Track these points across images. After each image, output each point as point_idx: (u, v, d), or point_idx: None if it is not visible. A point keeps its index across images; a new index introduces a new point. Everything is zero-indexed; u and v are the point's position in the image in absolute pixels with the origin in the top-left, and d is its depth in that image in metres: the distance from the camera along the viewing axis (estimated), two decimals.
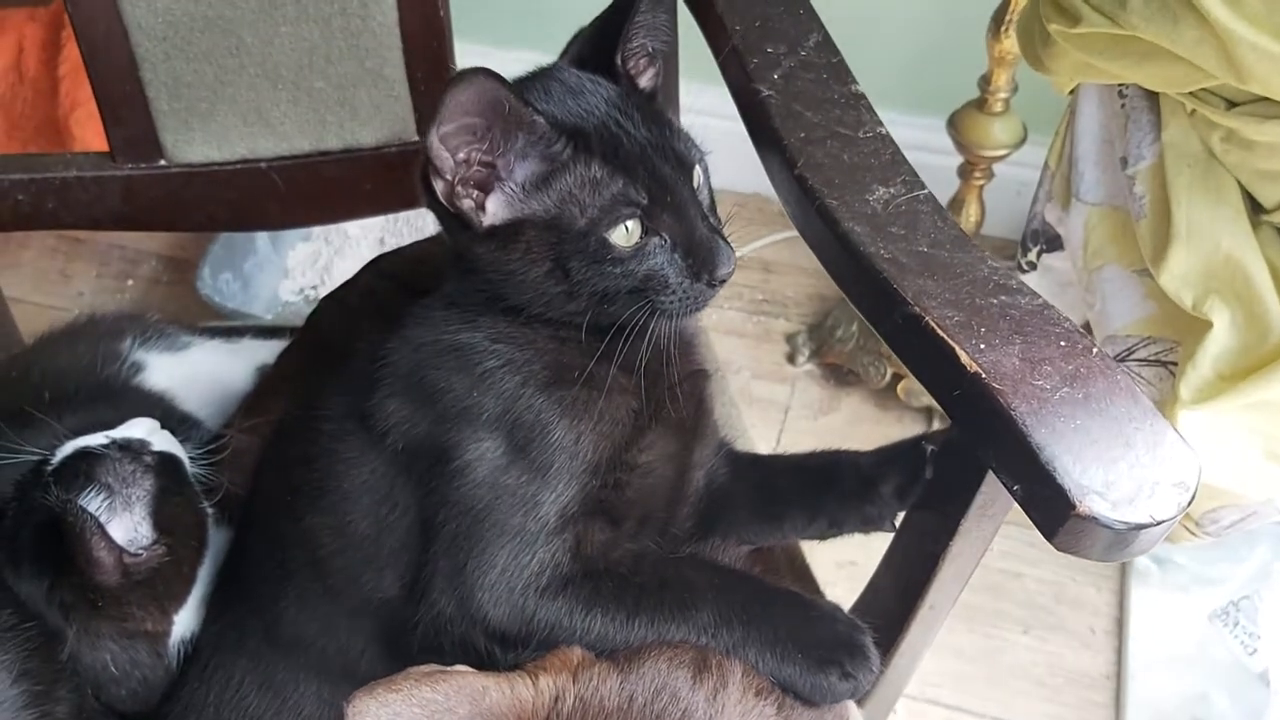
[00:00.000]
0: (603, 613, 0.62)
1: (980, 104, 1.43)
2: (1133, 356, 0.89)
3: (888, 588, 0.78)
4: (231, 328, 1.04)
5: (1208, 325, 0.85)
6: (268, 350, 0.94)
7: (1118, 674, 1.52)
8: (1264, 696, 1.39)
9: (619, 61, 0.69)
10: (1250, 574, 1.47)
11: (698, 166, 0.68)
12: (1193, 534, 0.96)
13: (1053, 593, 1.60)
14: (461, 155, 0.62)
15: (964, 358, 0.61)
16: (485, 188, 0.63)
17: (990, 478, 0.65)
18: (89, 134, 1.71)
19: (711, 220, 0.67)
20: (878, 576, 0.80)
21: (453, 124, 0.61)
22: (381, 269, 0.91)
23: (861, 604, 0.82)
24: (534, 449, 0.63)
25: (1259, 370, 0.83)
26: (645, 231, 0.64)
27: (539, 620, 0.62)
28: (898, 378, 1.65)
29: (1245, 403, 0.83)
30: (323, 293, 1.76)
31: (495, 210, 0.63)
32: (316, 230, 1.83)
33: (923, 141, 1.42)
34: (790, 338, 1.80)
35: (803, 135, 0.76)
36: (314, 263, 1.81)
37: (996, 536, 1.75)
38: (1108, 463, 0.57)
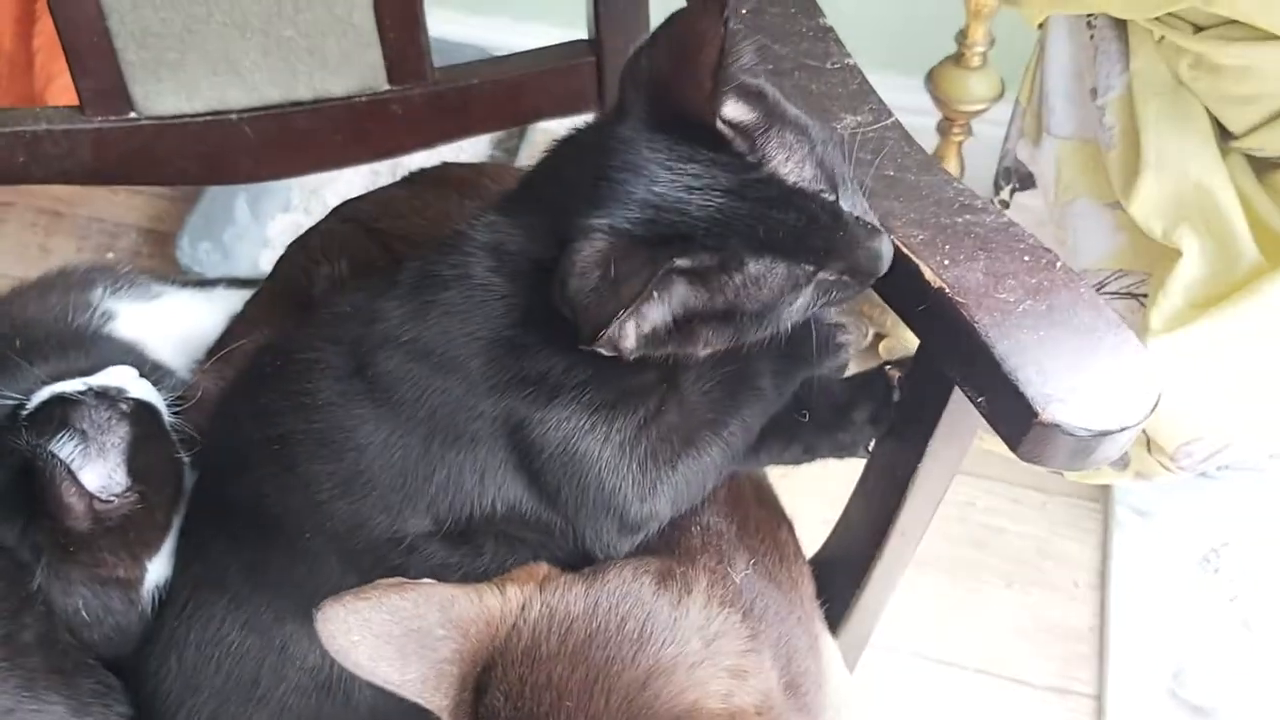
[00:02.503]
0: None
1: (957, 59, 1.43)
2: (1104, 290, 0.90)
3: (860, 517, 0.78)
4: (204, 279, 1.04)
5: (1178, 254, 0.85)
6: (240, 299, 0.94)
7: (1101, 626, 1.52)
8: (1246, 641, 1.40)
9: (719, 126, 0.60)
10: (1231, 522, 1.48)
11: (837, 172, 0.63)
12: (1168, 469, 0.97)
13: (1035, 547, 1.61)
14: (635, 340, 0.60)
15: (928, 274, 0.62)
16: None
17: (956, 396, 0.65)
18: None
19: (861, 216, 0.63)
20: (850, 507, 0.81)
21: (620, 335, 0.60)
22: (343, 213, 0.91)
23: (835, 536, 0.83)
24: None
25: (1229, 298, 0.83)
26: (814, 275, 0.62)
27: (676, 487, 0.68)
28: (879, 337, 1.66)
29: (1215, 331, 0.83)
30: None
31: (655, 320, 0.60)
32: (295, 200, 1.83)
33: (901, 102, 1.42)
34: None
35: (770, 68, 0.76)
36: (294, 232, 1.80)
37: (979, 492, 1.76)
38: (1071, 371, 0.58)
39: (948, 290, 0.61)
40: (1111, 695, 1.44)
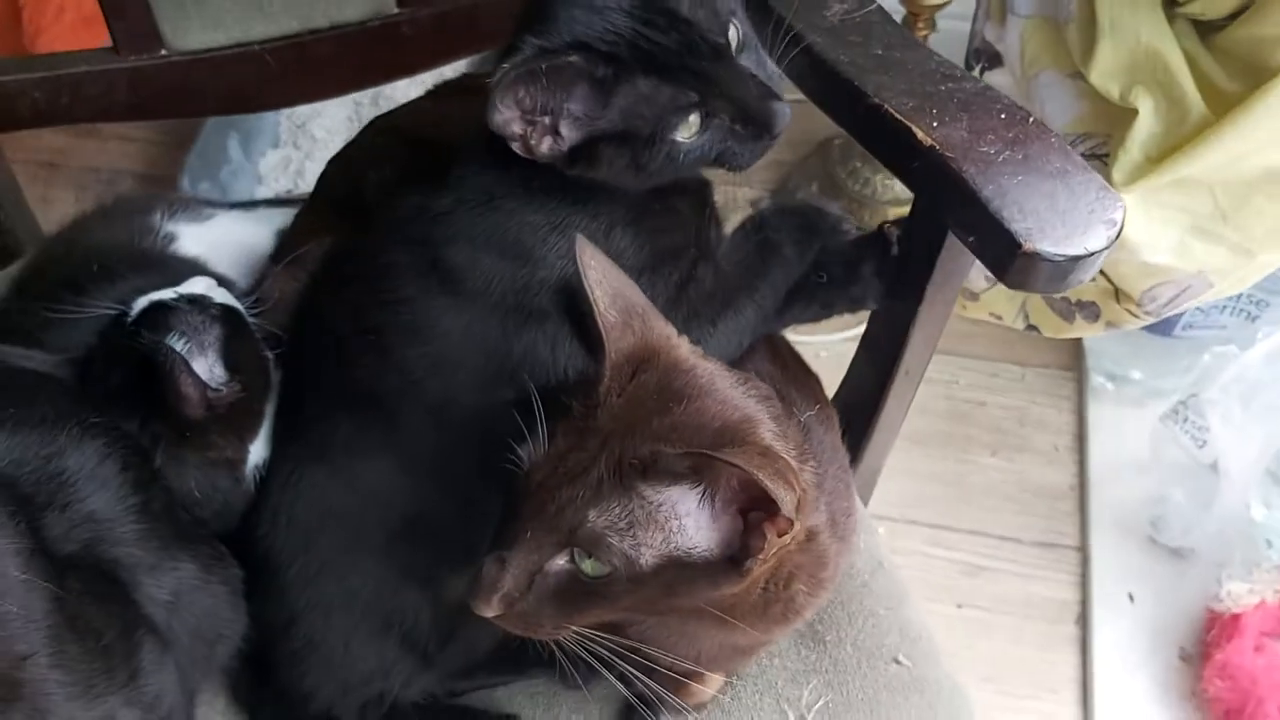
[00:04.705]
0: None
1: None
2: None
3: (865, 365, 0.89)
4: (244, 201, 1.11)
5: (1134, 113, 0.94)
6: (283, 216, 1.01)
7: (1081, 484, 1.62)
8: (1215, 484, 1.46)
9: None
10: (1195, 378, 1.57)
11: (732, 27, 0.72)
12: (1135, 315, 1.07)
13: (1016, 416, 1.71)
14: (521, 127, 0.69)
15: (920, 134, 0.71)
16: (555, 127, 0.70)
17: (949, 241, 0.75)
18: None
19: (759, 77, 0.72)
20: (856, 358, 0.91)
21: (506, 112, 0.68)
22: (378, 126, 0.98)
23: (843, 387, 0.93)
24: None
25: (1181, 149, 0.93)
26: (705, 117, 0.71)
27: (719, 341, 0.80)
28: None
29: (1171, 179, 0.93)
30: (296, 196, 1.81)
31: (568, 135, 0.70)
32: (284, 135, 1.86)
33: None
34: (755, 203, 1.88)
35: None
36: (286, 168, 1.84)
37: (960, 370, 1.84)
38: (1046, 208, 0.68)
39: (938, 147, 0.70)
40: (1095, 546, 1.55)
